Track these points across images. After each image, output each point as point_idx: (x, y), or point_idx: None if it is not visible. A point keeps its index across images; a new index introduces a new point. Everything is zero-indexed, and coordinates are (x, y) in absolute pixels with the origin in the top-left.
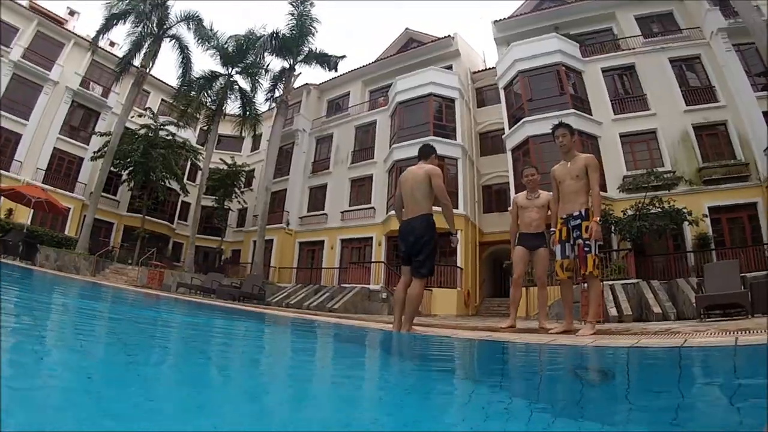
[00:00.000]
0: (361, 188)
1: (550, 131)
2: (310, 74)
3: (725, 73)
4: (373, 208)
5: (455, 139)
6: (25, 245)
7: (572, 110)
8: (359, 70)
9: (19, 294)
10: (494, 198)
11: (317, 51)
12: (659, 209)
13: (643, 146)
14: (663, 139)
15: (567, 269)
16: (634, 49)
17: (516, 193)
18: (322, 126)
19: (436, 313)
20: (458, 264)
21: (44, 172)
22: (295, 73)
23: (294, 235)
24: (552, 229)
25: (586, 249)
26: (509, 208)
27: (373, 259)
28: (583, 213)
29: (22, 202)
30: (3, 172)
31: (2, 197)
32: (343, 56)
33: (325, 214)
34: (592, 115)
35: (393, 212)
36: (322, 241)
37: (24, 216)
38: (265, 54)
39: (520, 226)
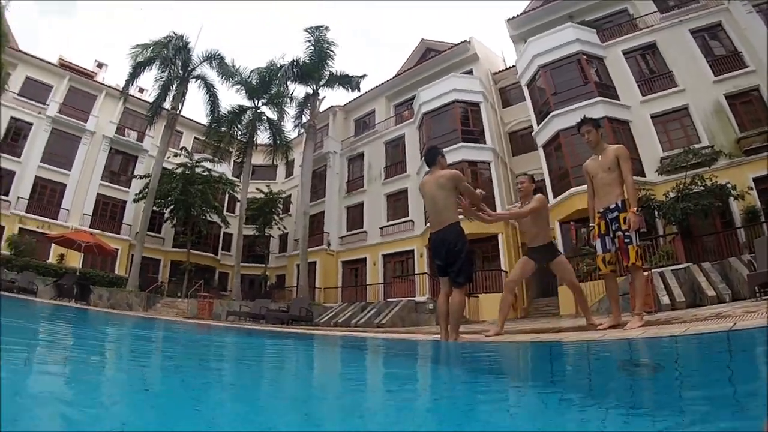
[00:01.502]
0: (397, 202)
1: (576, 127)
2: (334, 96)
3: (749, 37)
4: (411, 221)
5: (485, 143)
6: (78, 287)
7: (599, 98)
8: (381, 87)
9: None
10: None
11: (338, 73)
12: (702, 187)
13: (676, 124)
14: (696, 114)
15: (609, 263)
16: (652, 26)
17: (552, 188)
18: (351, 146)
19: (485, 319)
20: (502, 267)
21: (90, 217)
22: (320, 97)
23: (336, 255)
24: (591, 224)
25: (626, 241)
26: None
27: (416, 271)
28: (619, 204)
29: (73, 248)
30: (52, 220)
31: (53, 244)
32: (364, 75)
33: (365, 231)
34: (619, 101)
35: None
36: (365, 258)
37: (75, 260)
38: (288, 82)
39: (525, 237)
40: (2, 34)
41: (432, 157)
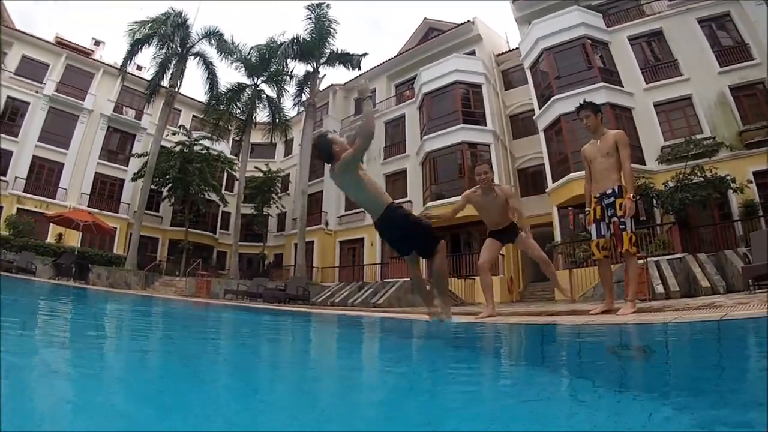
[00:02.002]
0: (396, 182)
1: (575, 112)
2: (334, 75)
3: (757, 29)
4: (410, 201)
5: (485, 125)
6: (77, 266)
7: (602, 84)
8: (382, 66)
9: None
10: (530, 181)
11: (339, 51)
12: (701, 178)
13: (679, 114)
14: (699, 105)
15: (603, 248)
16: (659, 13)
17: (551, 173)
18: (351, 125)
19: (480, 301)
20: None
21: (88, 196)
22: (320, 75)
23: (334, 235)
24: (586, 209)
25: (621, 227)
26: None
27: None
28: (616, 190)
29: (71, 227)
30: (50, 200)
31: (51, 223)
32: (365, 54)
33: (363, 211)
34: (623, 87)
35: (431, 204)
36: (362, 239)
37: (74, 239)
38: (288, 60)
39: (486, 223)
40: None
41: (319, 145)
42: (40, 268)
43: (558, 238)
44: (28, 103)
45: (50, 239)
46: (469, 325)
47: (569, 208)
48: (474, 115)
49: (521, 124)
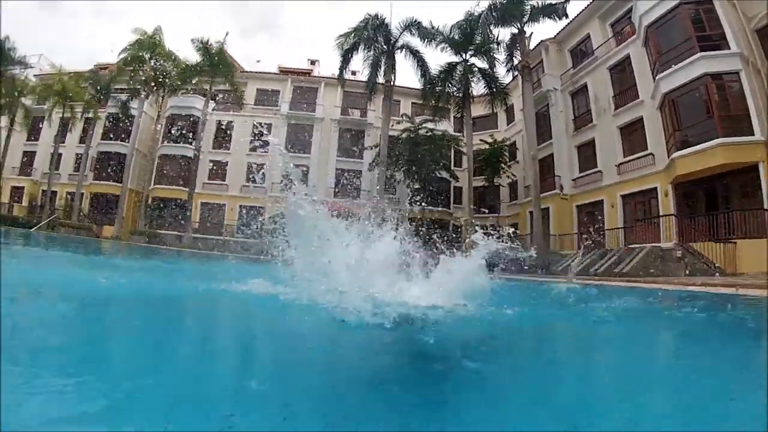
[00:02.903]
0: (632, 135)
1: None
2: (542, 30)
3: None
4: (651, 154)
5: (728, 48)
6: None
7: None
8: (590, 7)
9: None
10: None
11: (540, 4)
12: None
13: None
14: None
15: None
16: None
17: None
18: (572, 79)
19: (743, 271)
20: (765, 206)
21: (333, 189)
22: (527, 34)
23: (570, 200)
24: None
25: None
26: None
27: (660, 213)
28: None
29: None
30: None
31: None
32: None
33: (599, 171)
34: None
35: (676, 154)
36: (601, 201)
37: None
38: (491, 28)
39: None
40: None
41: None
42: None
43: None
44: (270, 124)
45: None
46: None
47: None
48: (712, 39)
49: None
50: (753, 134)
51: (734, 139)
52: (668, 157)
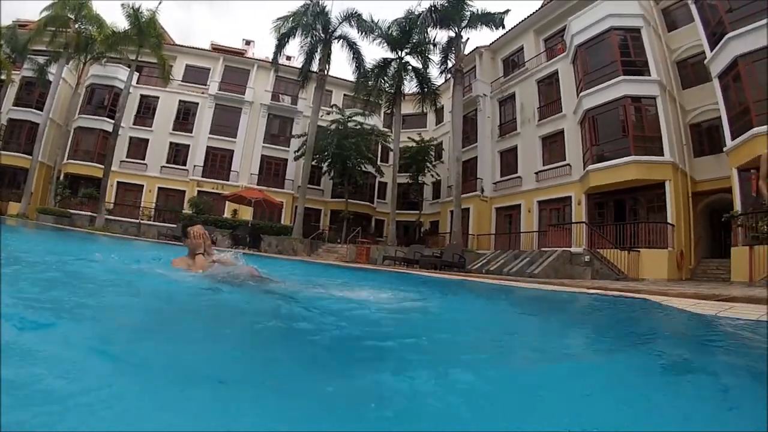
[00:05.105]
0: (553, 145)
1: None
2: (478, 37)
3: None
4: (568, 164)
5: (649, 74)
6: (251, 237)
7: None
8: (527, 21)
9: None
10: (705, 138)
11: (479, 12)
12: None
13: None
14: None
15: None
16: None
17: (730, 128)
18: (501, 87)
19: (645, 276)
20: (668, 220)
21: (257, 176)
22: (463, 39)
23: (489, 202)
24: None
25: None
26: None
27: (573, 220)
28: None
29: (244, 203)
30: (224, 182)
31: (227, 201)
32: (507, 11)
33: (519, 177)
34: None
35: (591, 167)
36: (519, 205)
37: (247, 214)
38: (429, 29)
39: None
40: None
41: None
42: (220, 238)
43: (738, 206)
44: (197, 104)
45: (227, 214)
46: None
47: (752, 171)
48: (635, 65)
49: (691, 71)
50: (663, 155)
51: (645, 157)
52: (584, 169)
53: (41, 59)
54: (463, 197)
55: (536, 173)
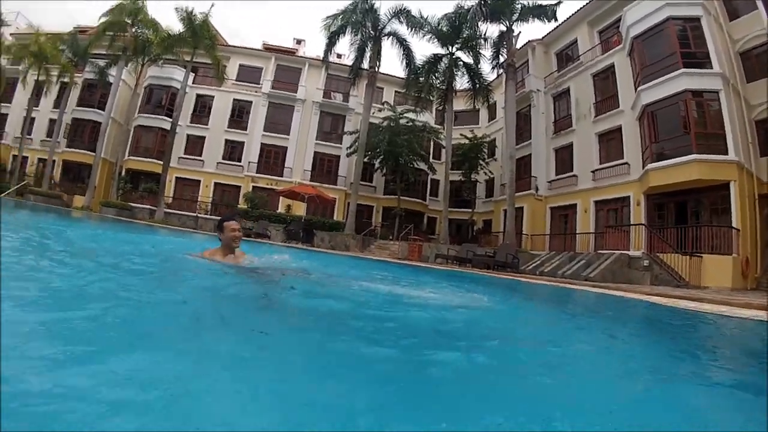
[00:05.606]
0: (610, 143)
1: None
2: (530, 30)
3: None
4: (626, 163)
5: (711, 67)
6: (304, 232)
7: None
8: (581, 12)
9: None
10: None
11: (531, 4)
12: None
13: None
14: None
15: None
16: None
17: None
18: (555, 82)
19: (707, 284)
20: (733, 224)
21: (310, 172)
22: (514, 33)
23: (544, 201)
24: None
25: None
26: None
27: (631, 221)
28: None
29: (297, 199)
30: (278, 178)
31: (281, 197)
32: (560, 2)
33: (575, 175)
34: None
35: (650, 166)
36: (575, 205)
37: (300, 209)
38: (479, 23)
39: None
40: None
41: None
42: (274, 233)
43: None
44: (251, 102)
45: (281, 210)
46: None
47: None
48: (696, 56)
49: (755, 62)
50: (727, 153)
51: (708, 156)
52: (643, 168)
53: (101, 62)
54: (516, 196)
55: (593, 172)
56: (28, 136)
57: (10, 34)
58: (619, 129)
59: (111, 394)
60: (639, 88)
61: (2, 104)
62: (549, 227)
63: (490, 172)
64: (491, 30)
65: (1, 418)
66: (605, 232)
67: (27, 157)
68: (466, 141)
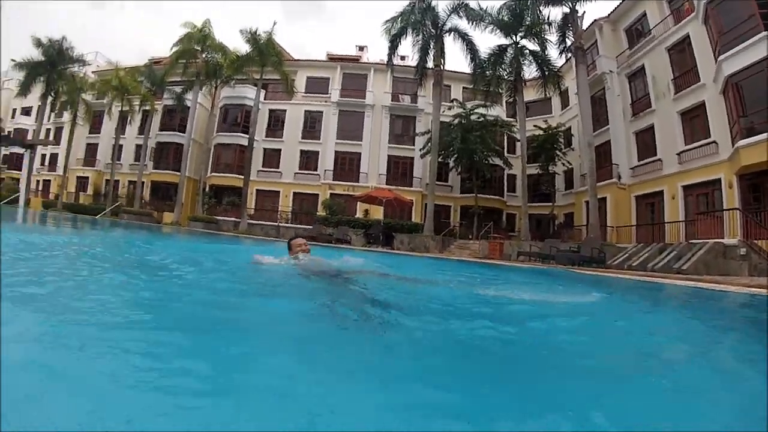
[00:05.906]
0: (693, 120)
1: None
2: (595, 9)
3: None
4: (714, 142)
5: None
6: (383, 235)
7: None
8: None
9: None
10: None
11: None
12: None
13: None
14: None
15: None
16: None
17: None
18: (628, 61)
19: None
20: None
21: (385, 176)
22: (579, 14)
23: (628, 189)
24: None
25: None
26: None
27: (724, 206)
28: None
29: (374, 203)
30: (354, 183)
31: (358, 202)
32: None
33: (659, 159)
34: None
35: (741, 143)
36: (661, 192)
37: (378, 213)
38: (541, 8)
39: None
40: None
41: None
42: (354, 238)
43: None
44: (322, 112)
45: (359, 215)
46: None
47: None
48: None
49: None
50: None
51: None
52: (732, 146)
53: (178, 88)
54: (598, 186)
55: (678, 154)
56: (117, 162)
57: (92, 72)
58: (702, 105)
59: None
60: (719, 58)
61: (92, 135)
62: (635, 217)
63: (569, 162)
64: (554, 13)
65: (0, 418)
66: (696, 220)
67: (118, 181)
68: (541, 132)
